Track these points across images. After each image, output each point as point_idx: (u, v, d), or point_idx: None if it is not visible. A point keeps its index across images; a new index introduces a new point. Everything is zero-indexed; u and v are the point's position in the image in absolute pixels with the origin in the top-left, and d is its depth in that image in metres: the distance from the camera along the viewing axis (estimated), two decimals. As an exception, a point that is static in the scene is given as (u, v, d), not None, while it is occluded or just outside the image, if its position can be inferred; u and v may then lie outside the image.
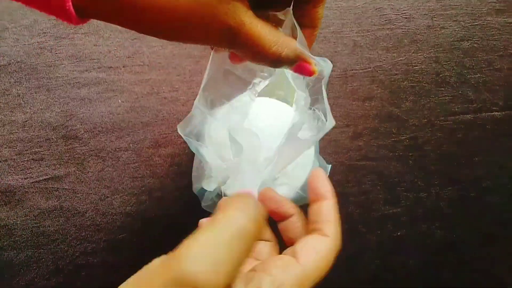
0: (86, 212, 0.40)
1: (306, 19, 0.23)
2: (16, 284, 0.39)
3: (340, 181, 0.42)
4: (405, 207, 0.43)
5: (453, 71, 0.44)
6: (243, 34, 0.20)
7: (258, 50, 0.21)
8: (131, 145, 0.41)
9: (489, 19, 0.45)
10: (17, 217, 0.39)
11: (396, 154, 0.43)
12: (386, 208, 0.43)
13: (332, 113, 0.43)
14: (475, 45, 0.45)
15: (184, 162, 0.41)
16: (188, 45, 0.42)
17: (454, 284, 0.43)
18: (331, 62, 0.46)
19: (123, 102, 0.41)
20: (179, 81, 0.42)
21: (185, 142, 0.42)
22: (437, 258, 0.43)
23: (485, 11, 0.45)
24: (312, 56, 0.23)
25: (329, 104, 0.43)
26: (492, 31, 0.45)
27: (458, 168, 0.44)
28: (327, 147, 0.42)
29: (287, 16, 0.24)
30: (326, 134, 0.42)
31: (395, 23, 0.44)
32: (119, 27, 0.42)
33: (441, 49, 0.44)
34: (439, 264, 0.43)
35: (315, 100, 0.29)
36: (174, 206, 0.41)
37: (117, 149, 0.41)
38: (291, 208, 0.25)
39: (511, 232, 0.44)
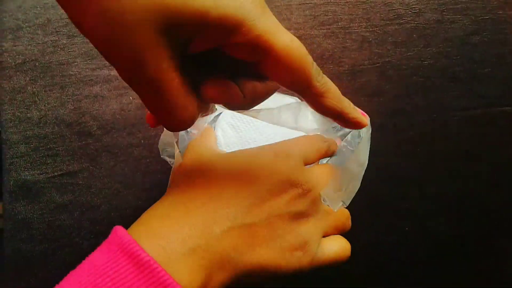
0: (100, 207, 0.41)
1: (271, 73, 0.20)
2: (33, 275, 0.40)
3: (348, 176, 0.42)
4: (413, 203, 0.43)
5: (463, 65, 0.44)
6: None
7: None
8: (142, 141, 0.42)
9: (500, 12, 0.44)
10: (33, 211, 0.41)
11: (404, 149, 0.43)
12: (393, 204, 0.43)
13: (340, 109, 0.43)
14: (486, 39, 0.44)
15: (194, 157, 0.42)
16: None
17: (461, 279, 0.43)
18: (339, 57, 0.46)
19: (134, 99, 0.42)
20: (188, 78, 0.43)
21: (195, 138, 0.43)
22: (444, 254, 0.43)
23: (496, 5, 0.44)
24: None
25: (338, 99, 0.43)
26: (503, 25, 0.44)
27: (467, 164, 0.44)
28: (335, 143, 0.42)
29: None
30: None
31: (404, 18, 0.44)
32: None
33: (451, 43, 0.44)
34: (446, 259, 0.43)
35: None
36: (185, 201, 0.41)
37: (129, 145, 0.42)
38: None
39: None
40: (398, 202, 0.43)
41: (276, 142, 0.27)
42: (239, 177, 0.24)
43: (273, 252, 0.23)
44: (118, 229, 0.22)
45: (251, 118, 0.33)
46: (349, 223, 0.29)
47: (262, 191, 0.23)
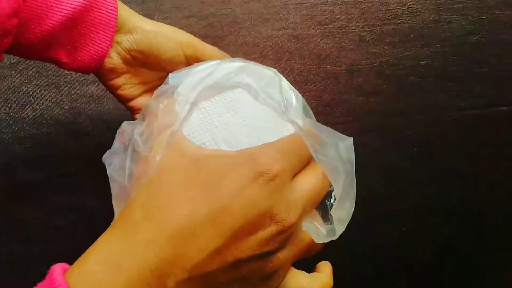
0: (96, 208, 0.41)
1: None
2: (28, 276, 0.40)
3: (346, 177, 0.42)
4: (411, 202, 0.43)
5: (460, 66, 0.44)
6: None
7: None
8: (138, 141, 0.42)
9: (497, 12, 0.45)
10: (29, 212, 0.40)
11: (402, 150, 0.43)
12: (391, 204, 0.43)
13: (338, 109, 0.43)
14: (483, 39, 0.44)
15: (191, 158, 0.42)
16: (194, 41, 0.43)
17: (460, 280, 0.43)
18: (336, 57, 0.46)
19: (130, 99, 0.42)
20: (185, 77, 0.42)
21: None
22: (443, 254, 0.43)
23: (493, 5, 0.44)
24: None
25: (335, 99, 0.43)
26: (500, 25, 0.45)
27: (465, 164, 0.44)
28: (333, 143, 0.42)
29: None
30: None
31: (401, 18, 0.44)
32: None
33: (448, 43, 0.44)
34: (446, 260, 0.43)
35: None
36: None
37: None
38: None
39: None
40: (395, 202, 0.43)
41: (256, 150, 0.21)
42: (205, 205, 0.19)
43: None
44: (55, 270, 0.19)
45: (223, 92, 0.25)
46: (322, 244, 0.24)
47: (233, 229, 0.19)
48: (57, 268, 0.19)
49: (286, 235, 0.20)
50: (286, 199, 0.20)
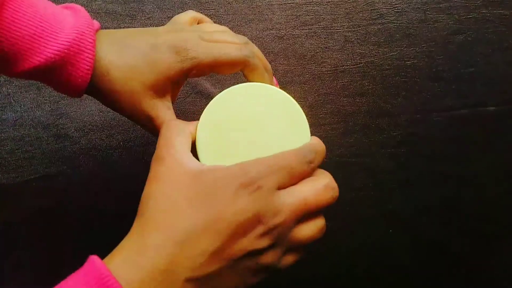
0: (77, 211, 0.40)
1: None
2: (8, 284, 0.39)
3: (331, 178, 0.42)
4: (398, 204, 0.43)
5: (447, 65, 0.44)
6: (156, 124, 0.29)
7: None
8: (121, 143, 0.41)
9: (484, 11, 0.44)
10: (9, 216, 0.40)
11: (388, 150, 0.43)
12: (378, 206, 0.42)
13: (323, 110, 0.43)
14: (470, 38, 0.44)
15: (174, 160, 0.41)
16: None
17: (448, 283, 0.43)
18: (321, 58, 0.46)
19: (112, 100, 0.41)
20: (168, 78, 0.42)
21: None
22: (431, 256, 0.43)
23: (480, 3, 0.44)
24: None
25: (320, 100, 0.43)
26: (487, 24, 0.44)
27: (452, 165, 0.43)
28: (318, 144, 0.42)
29: None
30: (317, 131, 0.42)
31: (386, 18, 0.43)
32: (109, 23, 0.42)
33: (434, 43, 0.44)
34: (433, 263, 0.43)
35: None
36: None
37: (108, 148, 0.41)
38: None
39: (509, 230, 0.44)
40: (381, 203, 0.42)
41: (247, 164, 0.25)
42: (204, 213, 0.24)
43: (232, 284, 0.25)
44: (95, 260, 0.23)
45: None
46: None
47: (227, 234, 0.23)
48: (98, 260, 0.23)
49: (275, 233, 0.24)
50: (272, 205, 0.24)
